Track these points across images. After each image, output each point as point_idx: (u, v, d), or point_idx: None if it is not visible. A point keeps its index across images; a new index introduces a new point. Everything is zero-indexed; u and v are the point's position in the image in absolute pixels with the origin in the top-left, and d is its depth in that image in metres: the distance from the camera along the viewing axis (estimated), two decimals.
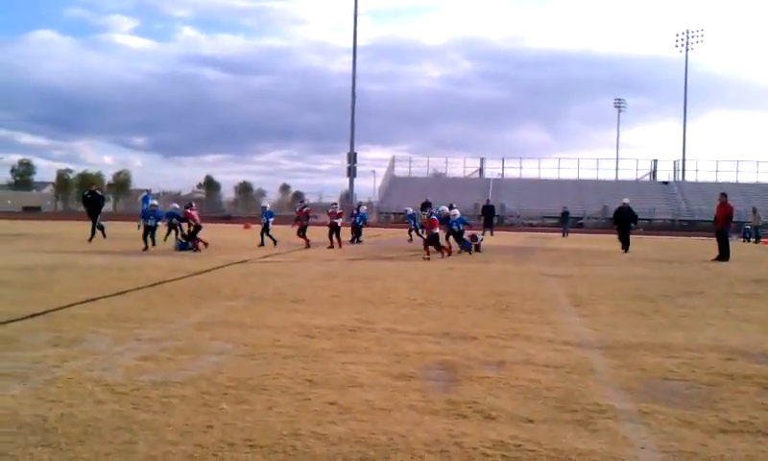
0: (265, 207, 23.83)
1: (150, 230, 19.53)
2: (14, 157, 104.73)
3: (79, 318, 8.29)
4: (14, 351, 6.51)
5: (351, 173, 58.40)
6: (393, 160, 67.69)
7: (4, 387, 5.28)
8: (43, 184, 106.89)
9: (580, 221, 59.82)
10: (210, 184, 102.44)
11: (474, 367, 6.37)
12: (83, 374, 5.73)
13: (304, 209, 24.37)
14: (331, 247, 22.19)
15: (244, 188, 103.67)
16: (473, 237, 21.72)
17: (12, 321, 8.00)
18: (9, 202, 73.79)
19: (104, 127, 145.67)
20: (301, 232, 23.10)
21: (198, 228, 19.80)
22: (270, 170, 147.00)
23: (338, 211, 23.64)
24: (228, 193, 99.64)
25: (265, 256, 17.90)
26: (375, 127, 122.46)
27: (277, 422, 4.67)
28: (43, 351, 6.54)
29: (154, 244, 19.64)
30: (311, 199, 74.44)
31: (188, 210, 20.10)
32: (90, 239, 22.71)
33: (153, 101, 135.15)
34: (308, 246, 21.83)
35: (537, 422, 4.80)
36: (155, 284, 11.58)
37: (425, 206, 21.08)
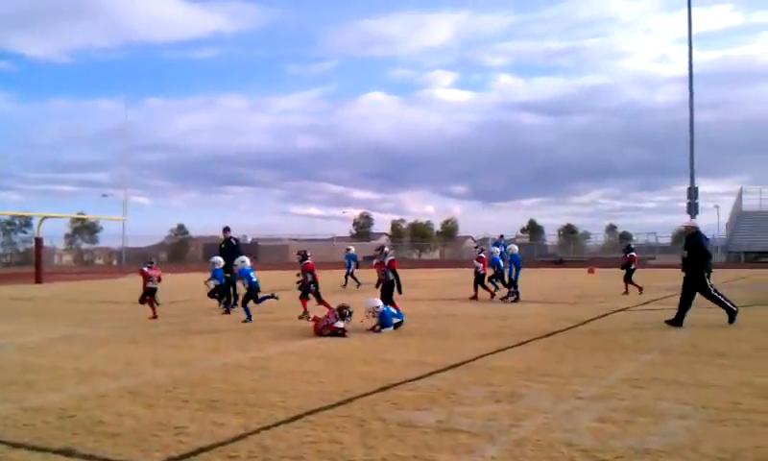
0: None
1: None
2: (355, 211, 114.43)
3: (498, 370, 8.11)
4: (460, 405, 6.39)
5: (692, 210, 54.04)
6: (740, 193, 61.42)
7: (479, 448, 5.07)
8: (378, 235, 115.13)
9: None
10: (533, 228, 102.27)
11: None
12: (547, 435, 5.35)
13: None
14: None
15: (568, 231, 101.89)
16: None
17: (439, 371, 8.06)
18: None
19: (425, 178, 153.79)
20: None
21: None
22: (590, 211, 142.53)
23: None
24: (551, 237, 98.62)
25: (644, 304, 16.77)
26: (705, 158, 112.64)
27: None
28: (487, 406, 6.35)
29: None
30: (639, 239, 70.14)
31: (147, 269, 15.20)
32: (226, 308, 15.93)
33: (471, 150, 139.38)
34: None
35: None
36: (549, 335, 11.21)
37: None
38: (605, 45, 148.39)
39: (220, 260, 15.92)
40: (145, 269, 15.13)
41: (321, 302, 14.15)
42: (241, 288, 15.15)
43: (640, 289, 19.86)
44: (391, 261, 13.51)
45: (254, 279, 14.14)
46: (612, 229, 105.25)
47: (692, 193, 54.71)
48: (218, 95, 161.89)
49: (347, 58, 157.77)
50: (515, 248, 18.73)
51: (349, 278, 25.55)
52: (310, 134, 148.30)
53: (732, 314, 12.04)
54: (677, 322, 11.82)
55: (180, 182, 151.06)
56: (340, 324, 11.36)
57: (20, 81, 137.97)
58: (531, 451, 4.97)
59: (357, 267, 26.20)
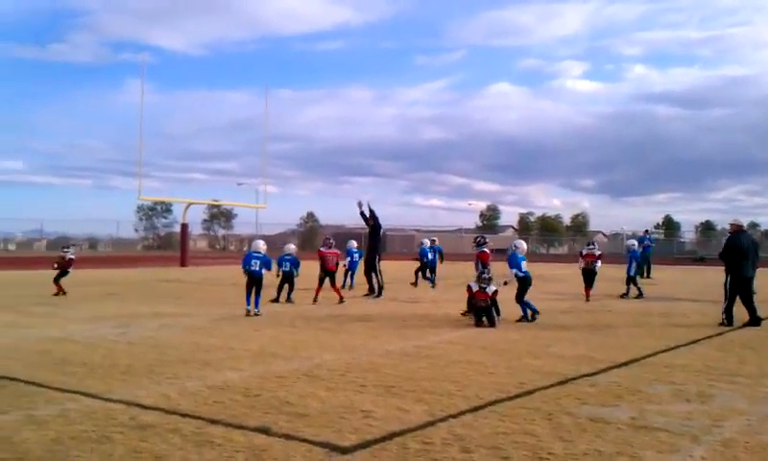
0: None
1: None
2: (481, 204, 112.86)
3: (677, 368, 7.75)
4: (649, 403, 6.12)
5: None
6: None
7: (685, 447, 4.83)
8: (504, 228, 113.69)
9: None
10: (669, 224, 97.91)
11: None
12: (754, 437, 5.07)
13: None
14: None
15: (706, 228, 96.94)
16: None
17: (613, 368, 7.79)
18: None
19: (552, 171, 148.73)
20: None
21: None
22: (726, 208, 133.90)
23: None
24: (687, 234, 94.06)
25: None
26: None
27: None
28: (678, 405, 6.07)
29: None
30: None
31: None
32: (379, 293, 17.15)
33: (601, 142, 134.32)
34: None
35: None
36: (720, 334, 10.69)
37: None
38: (749, 34, 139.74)
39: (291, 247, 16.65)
40: (72, 257, 18.43)
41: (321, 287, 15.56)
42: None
43: None
44: (480, 253, 13.49)
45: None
46: (753, 226, 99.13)
47: None
48: (344, 87, 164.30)
49: (474, 48, 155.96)
50: (633, 243, 17.97)
51: (429, 272, 21.42)
52: (435, 126, 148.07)
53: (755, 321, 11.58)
54: (753, 322, 11.51)
55: (306, 172, 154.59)
56: (473, 284, 11.48)
57: (158, 73, 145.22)
58: (743, 454, 4.71)
59: (442, 261, 22.87)
